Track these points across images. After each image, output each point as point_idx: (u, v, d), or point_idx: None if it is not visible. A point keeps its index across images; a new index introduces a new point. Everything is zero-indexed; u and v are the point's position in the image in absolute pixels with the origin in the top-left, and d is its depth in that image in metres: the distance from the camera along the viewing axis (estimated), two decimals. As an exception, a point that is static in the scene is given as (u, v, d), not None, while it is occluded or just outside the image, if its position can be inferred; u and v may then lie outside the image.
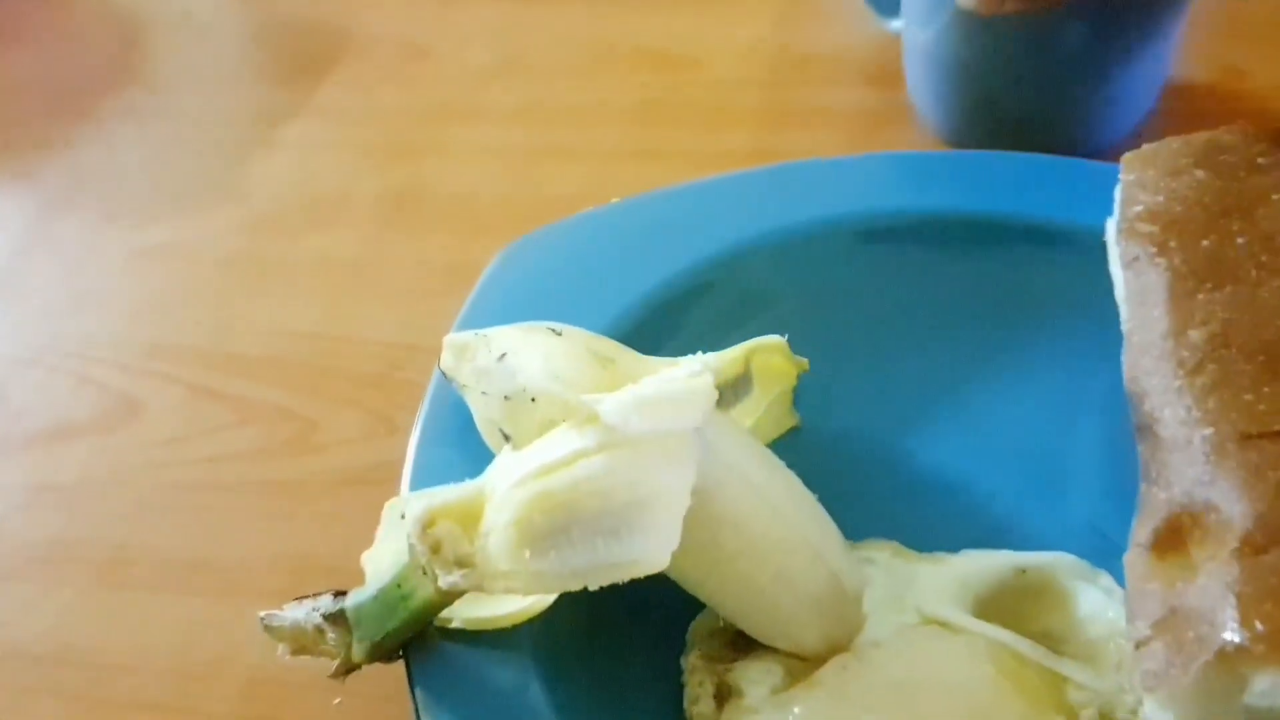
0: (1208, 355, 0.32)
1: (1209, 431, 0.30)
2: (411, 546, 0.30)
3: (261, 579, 0.41)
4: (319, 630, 0.33)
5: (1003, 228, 0.43)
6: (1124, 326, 0.37)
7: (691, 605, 0.35)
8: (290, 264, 0.53)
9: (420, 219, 0.54)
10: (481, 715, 0.32)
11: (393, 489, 0.37)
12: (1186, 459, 0.30)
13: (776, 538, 0.32)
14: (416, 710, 0.33)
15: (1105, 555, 0.35)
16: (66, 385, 0.49)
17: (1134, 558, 0.30)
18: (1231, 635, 0.26)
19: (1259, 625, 0.26)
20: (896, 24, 0.56)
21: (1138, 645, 0.29)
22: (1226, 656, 0.26)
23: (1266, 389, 0.30)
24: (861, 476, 0.39)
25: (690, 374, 0.32)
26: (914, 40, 0.52)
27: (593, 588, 0.30)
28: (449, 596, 0.31)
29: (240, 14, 0.71)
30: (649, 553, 0.29)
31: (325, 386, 0.47)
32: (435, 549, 0.30)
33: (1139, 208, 0.37)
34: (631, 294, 0.42)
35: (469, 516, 0.30)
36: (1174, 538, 0.30)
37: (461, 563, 0.30)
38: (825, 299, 0.43)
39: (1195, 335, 0.32)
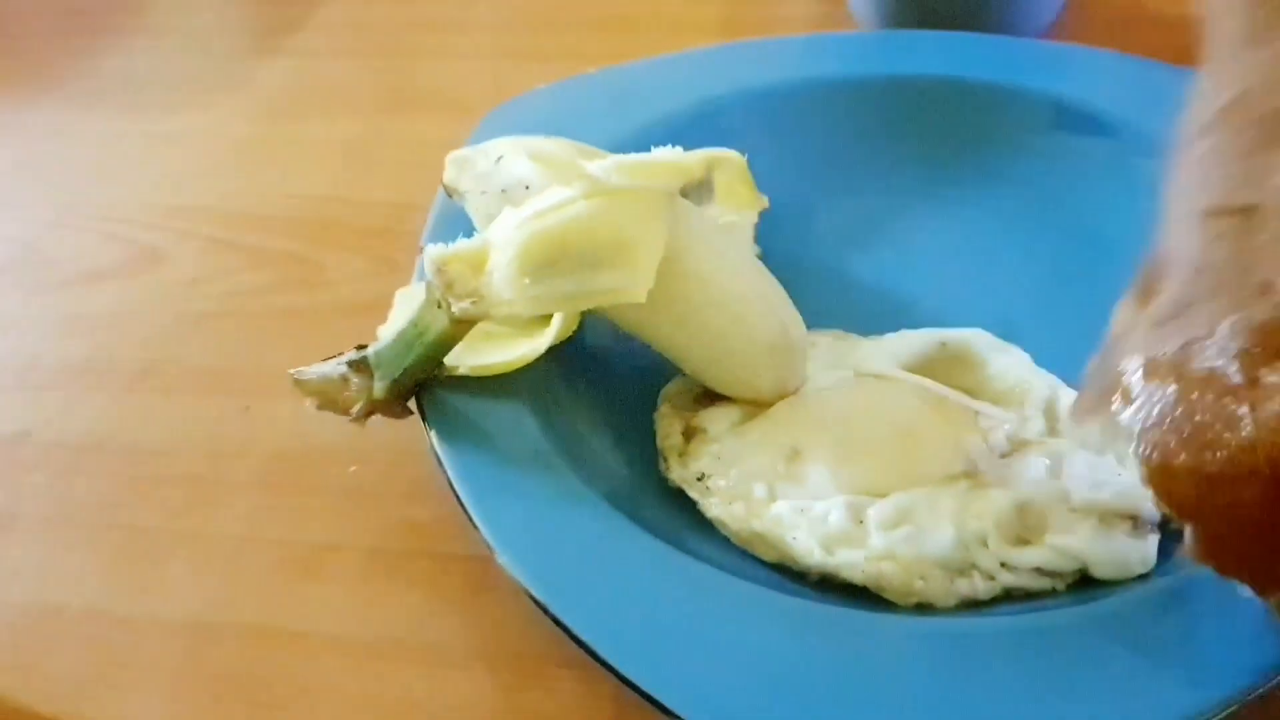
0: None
1: (1185, 206, 0.32)
2: (428, 284, 0.36)
3: (281, 383, 0.45)
4: (343, 379, 0.39)
5: (938, 90, 0.50)
6: None
7: (662, 377, 0.41)
8: (297, 143, 0.59)
9: (414, 108, 0.60)
10: (487, 443, 0.38)
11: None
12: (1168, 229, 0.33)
13: (735, 290, 0.38)
14: (432, 445, 0.38)
15: (1015, 336, 0.42)
16: (93, 240, 0.54)
17: (1120, 305, 0.33)
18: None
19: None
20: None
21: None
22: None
23: (1239, 165, 0.31)
24: (811, 288, 0.45)
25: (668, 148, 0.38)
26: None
27: (581, 309, 0.36)
28: (460, 327, 0.36)
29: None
30: (627, 284, 0.35)
31: (333, 237, 0.53)
32: (449, 285, 0.36)
33: None
34: (611, 137, 0.48)
35: (476, 262, 0.36)
36: (1145, 291, 0.32)
37: (471, 294, 0.35)
38: (786, 153, 0.49)
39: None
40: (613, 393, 0.42)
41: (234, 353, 0.48)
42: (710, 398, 0.40)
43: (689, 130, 0.48)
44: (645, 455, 0.40)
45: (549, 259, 0.35)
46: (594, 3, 0.67)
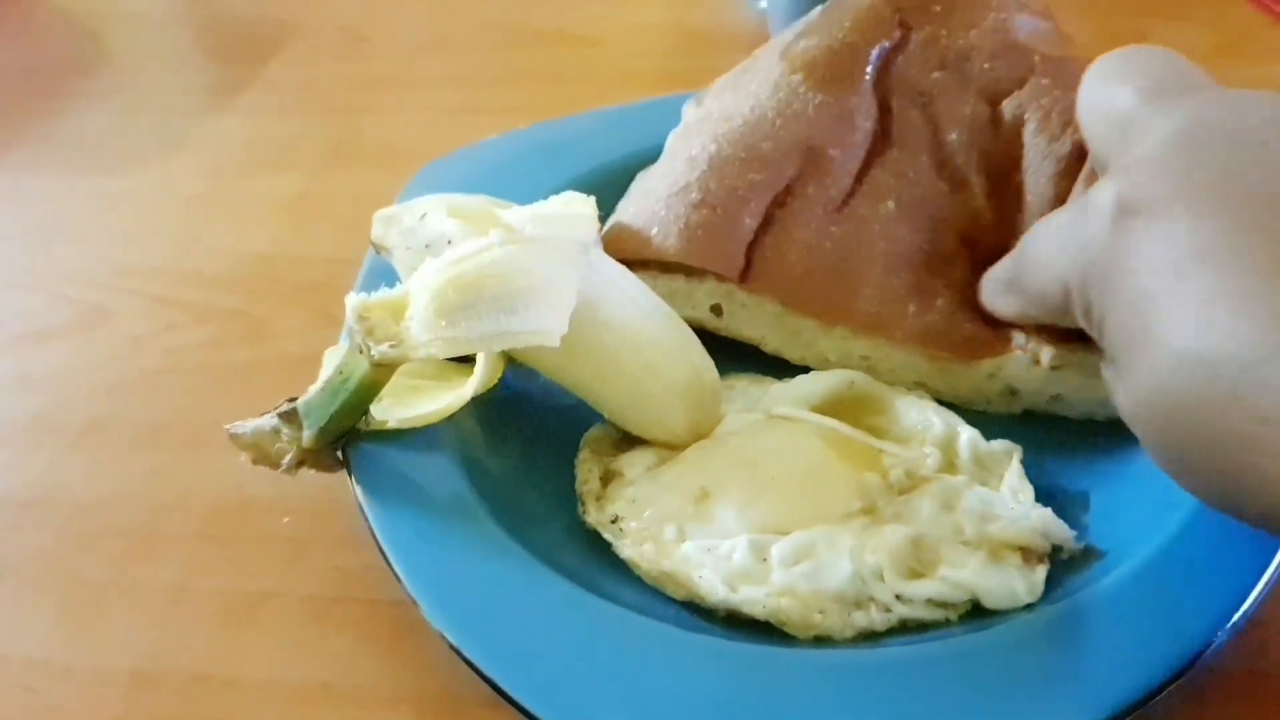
0: None
1: None
2: (350, 330, 0.38)
3: (220, 437, 0.46)
4: (275, 430, 0.40)
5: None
6: None
7: (585, 423, 0.43)
8: (241, 201, 0.61)
9: (357, 164, 0.62)
10: (410, 494, 0.39)
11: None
12: None
13: (648, 336, 0.40)
14: (356, 497, 0.40)
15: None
16: (43, 300, 0.56)
17: None
18: None
19: None
20: (762, 3, 0.66)
21: None
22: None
23: None
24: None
25: (580, 199, 0.40)
26: (776, 12, 0.61)
27: (496, 351, 0.38)
28: (382, 372, 0.38)
29: (189, 11, 0.79)
30: (541, 328, 0.37)
31: (273, 293, 0.55)
32: (370, 331, 0.37)
33: None
34: (538, 190, 0.50)
35: (396, 309, 0.38)
36: None
37: (391, 339, 0.37)
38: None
39: None
40: (536, 440, 0.43)
41: (176, 408, 0.50)
42: (629, 442, 0.42)
43: (617, 184, 0.51)
44: (566, 500, 0.41)
45: (465, 302, 0.37)
46: (534, 57, 0.70)
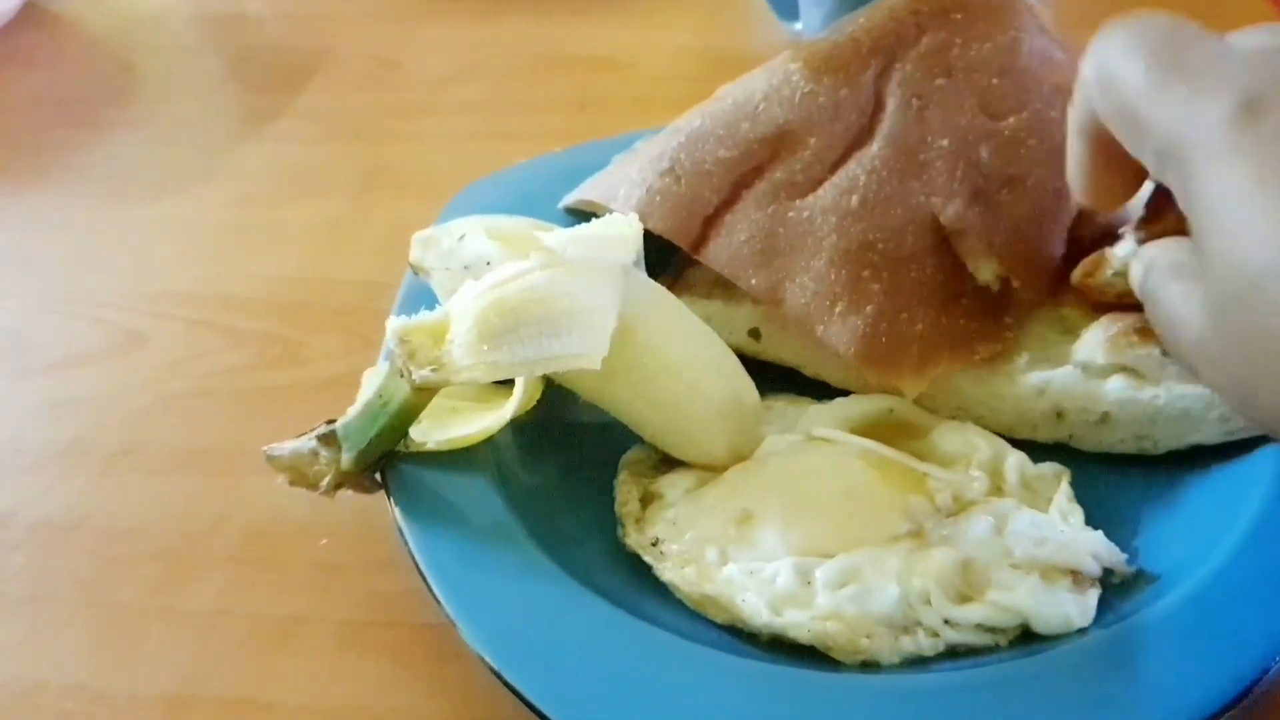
0: None
1: None
2: (391, 354, 0.37)
3: (256, 460, 0.46)
4: (313, 453, 0.40)
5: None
6: None
7: (623, 445, 0.43)
8: (276, 227, 0.61)
9: (389, 190, 0.62)
10: (449, 517, 0.39)
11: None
12: None
13: (687, 358, 0.40)
14: (395, 519, 0.39)
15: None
16: (79, 326, 0.56)
17: None
18: None
19: None
20: (798, 25, 0.65)
21: None
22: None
23: None
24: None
25: (621, 221, 0.40)
26: (811, 34, 0.61)
27: (537, 375, 0.37)
28: (422, 395, 0.38)
29: (222, 40, 0.80)
30: (582, 351, 0.36)
31: (309, 316, 0.55)
32: (411, 354, 0.37)
33: None
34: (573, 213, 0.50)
35: (437, 332, 0.38)
36: None
37: (432, 363, 0.37)
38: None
39: None
40: (574, 461, 0.43)
41: (212, 431, 0.49)
42: (668, 464, 0.42)
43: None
44: (605, 522, 0.41)
45: (507, 326, 0.36)
46: (565, 83, 0.70)
